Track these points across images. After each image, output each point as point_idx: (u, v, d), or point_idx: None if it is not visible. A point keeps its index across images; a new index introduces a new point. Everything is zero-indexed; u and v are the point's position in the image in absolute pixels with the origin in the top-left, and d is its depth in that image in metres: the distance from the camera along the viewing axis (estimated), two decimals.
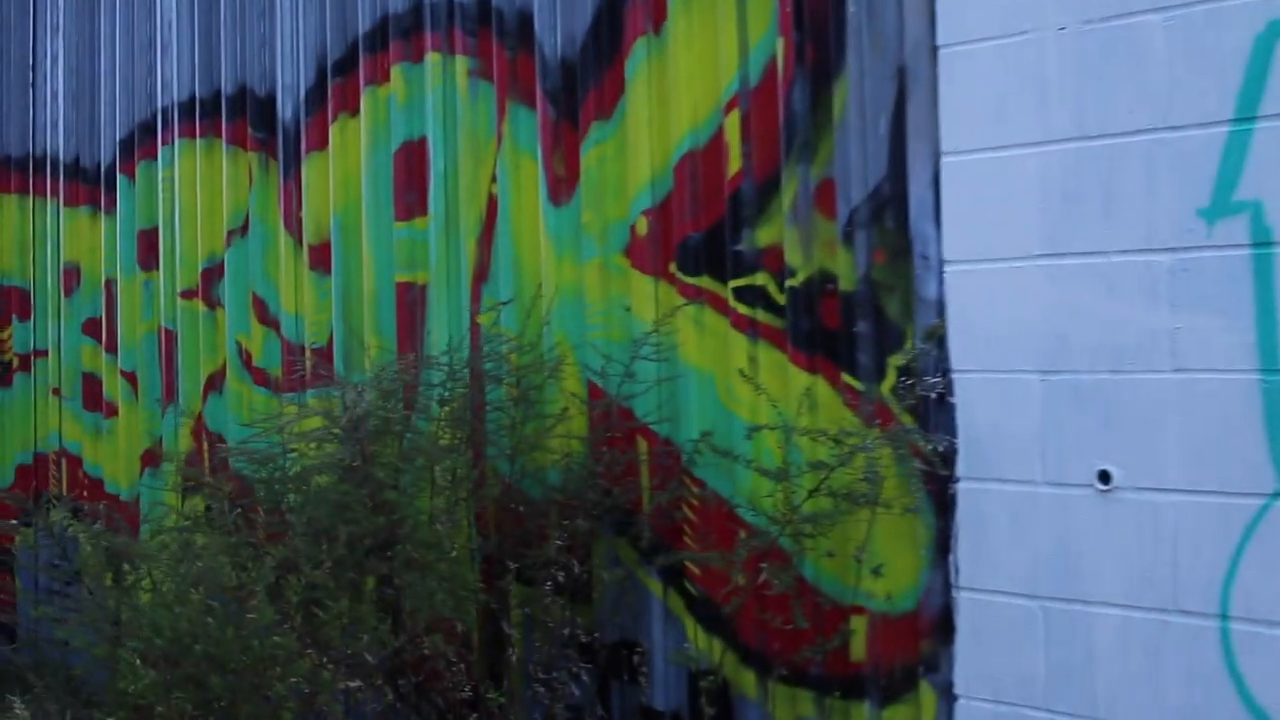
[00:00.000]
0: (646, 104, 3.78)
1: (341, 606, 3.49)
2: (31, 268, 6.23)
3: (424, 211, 4.40)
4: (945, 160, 3.16)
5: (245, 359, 5.06)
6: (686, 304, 3.67)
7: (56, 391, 6.05)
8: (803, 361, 3.46)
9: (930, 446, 3.10)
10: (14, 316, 6.30)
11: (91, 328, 5.88)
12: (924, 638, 3.24)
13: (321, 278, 4.74)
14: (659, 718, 3.77)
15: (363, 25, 4.58)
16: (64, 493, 5.93)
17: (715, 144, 3.64)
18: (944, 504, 3.18)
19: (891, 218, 3.28)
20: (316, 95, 4.75)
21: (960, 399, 3.16)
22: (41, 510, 5.80)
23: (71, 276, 5.98)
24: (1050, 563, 3.03)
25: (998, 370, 3.10)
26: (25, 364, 6.26)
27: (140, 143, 5.58)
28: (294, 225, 4.85)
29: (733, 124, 3.59)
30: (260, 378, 5.00)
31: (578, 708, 3.82)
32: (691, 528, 3.67)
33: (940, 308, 3.18)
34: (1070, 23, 2.96)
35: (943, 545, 3.20)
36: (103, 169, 5.80)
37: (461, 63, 4.26)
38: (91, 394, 5.88)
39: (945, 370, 3.17)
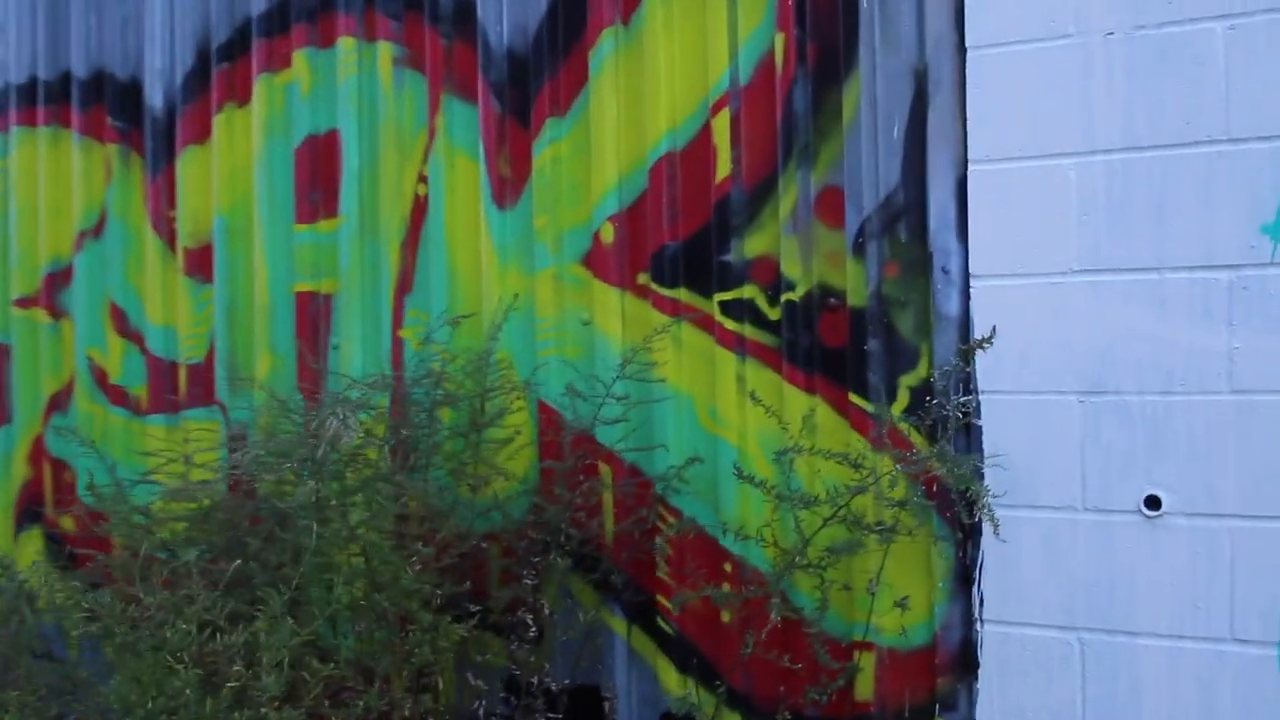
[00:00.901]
0: (614, 101, 3.47)
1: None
2: None
3: (333, 213, 3.95)
4: (973, 169, 2.98)
5: (99, 376, 4.45)
6: (679, 320, 3.36)
7: None
8: (800, 381, 3.22)
9: (964, 471, 2.91)
10: None
11: None
12: (941, 674, 3.06)
13: (199, 285, 4.21)
14: None
15: (256, 6, 4.09)
16: None
17: (699, 146, 3.37)
18: (967, 532, 3.01)
19: (907, 228, 3.09)
20: (196, 82, 4.22)
21: (987, 421, 2.99)
22: None
23: None
24: (1089, 592, 2.89)
25: (1031, 391, 2.94)
26: None
27: None
28: (164, 227, 4.30)
29: (721, 125, 3.32)
30: (118, 397, 4.41)
31: None
32: (669, 562, 3.38)
33: (964, 325, 3.01)
34: (1120, 27, 2.82)
35: (963, 575, 3.03)
36: None
37: (385, 50, 3.84)
38: None
39: (970, 390, 3.00)
